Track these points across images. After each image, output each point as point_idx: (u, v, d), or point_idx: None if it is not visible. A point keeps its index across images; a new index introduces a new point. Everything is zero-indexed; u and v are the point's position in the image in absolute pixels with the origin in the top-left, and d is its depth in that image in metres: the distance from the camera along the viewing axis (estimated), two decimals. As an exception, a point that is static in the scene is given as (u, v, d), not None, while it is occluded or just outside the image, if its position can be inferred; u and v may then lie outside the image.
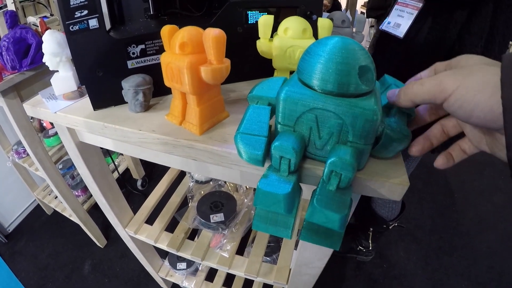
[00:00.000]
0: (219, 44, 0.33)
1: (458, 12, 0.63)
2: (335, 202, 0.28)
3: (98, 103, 0.45)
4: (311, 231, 0.29)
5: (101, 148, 0.58)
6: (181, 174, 1.04)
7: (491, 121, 0.22)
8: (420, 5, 0.67)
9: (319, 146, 0.31)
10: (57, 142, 1.26)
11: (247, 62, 0.49)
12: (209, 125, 0.40)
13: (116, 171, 1.46)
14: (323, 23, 0.42)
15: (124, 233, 0.80)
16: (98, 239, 1.36)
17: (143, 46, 0.43)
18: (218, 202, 0.84)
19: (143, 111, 0.45)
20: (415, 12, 0.67)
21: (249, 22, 0.48)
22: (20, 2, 1.21)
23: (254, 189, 0.90)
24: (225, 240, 0.78)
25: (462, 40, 0.64)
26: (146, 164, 1.66)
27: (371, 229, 1.22)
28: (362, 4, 3.16)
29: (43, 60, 0.47)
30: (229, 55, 0.36)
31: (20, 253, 1.37)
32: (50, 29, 0.57)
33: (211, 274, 1.05)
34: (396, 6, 0.72)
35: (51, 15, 1.35)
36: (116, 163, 1.55)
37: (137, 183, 1.66)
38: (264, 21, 0.42)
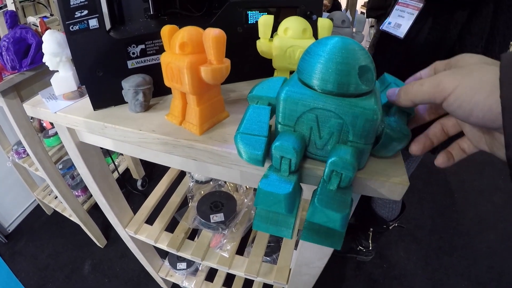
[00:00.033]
0: (219, 44, 0.33)
1: (459, 13, 0.63)
2: (336, 201, 0.28)
3: (98, 103, 0.45)
4: (312, 231, 0.29)
5: (101, 148, 0.58)
6: (181, 174, 1.04)
7: (490, 121, 0.22)
8: (421, 5, 0.66)
9: (320, 146, 0.31)
10: (57, 142, 1.26)
11: (247, 62, 0.49)
12: (209, 125, 0.40)
13: (116, 171, 1.46)
14: (323, 23, 0.42)
15: (124, 233, 0.80)
16: (98, 239, 1.36)
17: (143, 46, 0.43)
18: (218, 202, 0.84)
19: (143, 111, 0.45)
20: (416, 13, 0.67)
21: (249, 22, 0.48)
22: (20, 2, 1.21)
23: (254, 189, 0.90)
24: (225, 240, 0.78)
25: (462, 41, 0.64)
26: (146, 164, 1.66)
27: (371, 229, 1.22)
28: (362, 4, 3.16)
29: (43, 60, 0.47)
30: (229, 55, 0.36)
31: (20, 253, 1.37)
32: (50, 29, 0.57)
33: (211, 274, 1.05)
34: (396, 7, 0.72)
35: (51, 15, 1.35)
36: (116, 163, 1.55)
37: (137, 183, 1.66)
38: (264, 21, 0.42)
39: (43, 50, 0.46)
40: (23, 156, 1.24)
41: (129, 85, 0.42)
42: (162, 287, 1.16)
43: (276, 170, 0.30)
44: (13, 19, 0.81)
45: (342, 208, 0.27)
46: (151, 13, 0.46)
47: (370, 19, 2.62)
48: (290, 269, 0.70)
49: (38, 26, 1.02)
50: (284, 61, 0.44)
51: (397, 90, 0.29)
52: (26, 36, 0.81)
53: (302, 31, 0.42)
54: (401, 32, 0.70)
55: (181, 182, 0.97)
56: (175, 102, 0.41)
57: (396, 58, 0.76)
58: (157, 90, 0.46)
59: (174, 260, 1.03)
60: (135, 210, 0.82)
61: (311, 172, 0.33)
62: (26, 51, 0.83)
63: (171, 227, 0.82)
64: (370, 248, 1.26)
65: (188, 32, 0.35)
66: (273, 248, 0.89)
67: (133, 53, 0.43)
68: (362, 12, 2.99)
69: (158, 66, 0.39)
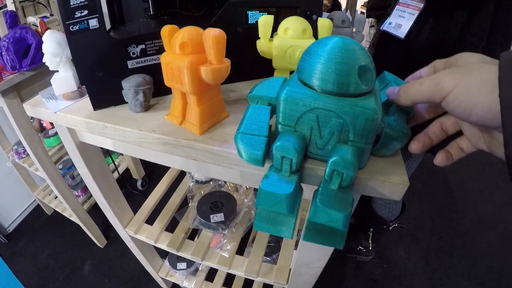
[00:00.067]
0: (219, 44, 0.33)
1: (459, 13, 0.63)
2: (338, 201, 0.28)
3: (98, 103, 0.45)
4: (314, 231, 0.29)
5: (101, 148, 0.58)
6: (181, 174, 1.04)
7: (489, 120, 0.22)
8: (421, 5, 0.66)
9: (320, 146, 0.31)
10: (57, 142, 1.26)
11: (247, 62, 0.49)
12: (209, 125, 0.40)
13: (116, 171, 1.46)
14: (323, 23, 0.42)
15: (124, 233, 0.80)
16: (98, 239, 1.36)
17: (143, 46, 0.43)
18: (218, 202, 0.84)
19: (143, 111, 0.45)
20: (416, 13, 0.67)
21: (249, 22, 0.48)
22: (20, 2, 1.20)
23: (254, 189, 0.90)
24: (225, 240, 0.78)
25: (463, 41, 0.64)
26: (146, 164, 1.66)
27: (371, 229, 1.22)
28: (362, 4, 3.16)
29: (43, 60, 0.47)
30: (229, 55, 0.36)
31: (20, 253, 1.37)
32: (50, 29, 0.57)
33: (211, 274, 1.05)
34: (397, 7, 0.72)
35: (51, 15, 1.35)
36: (116, 163, 1.55)
37: (137, 183, 1.66)
38: (264, 21, 0.42)
39: (43, 50, 0.46)
40: (23, 156, 1.24)
41: (129, 85, 0.42)
42: (162, 287, 1.16)
43: (277, 170, 0.30)
44: (13, 19, 0.81)
45: (344, 208, 0.27)
46: (151, 13, 0.46)
47: (370, 19, 2.62)
48: (290, 269, 0.70)
49: (38, 26, 1.02)
50: (284, 61, 0.44)
51: (397, 89, 0.29)
52: (26, 36, 0.81)
53: (302, 31, 0.42)
54: (402, 32, 0.70)
55: (181, 182, 0.97)
56: (175, 102, 0.41)
57: (396, 58, 0.76)
58: (157, 90, 0.46)
59: (174, 260, 1.03)
60: (135, 210, 0.82)
61: (312, 172, 0.33)
62: (26, 51, 0.83)
63: (171, 227, 0.82)
64: (370, 248, 1.26)
65: (188, 32, 0.35)
66: (273, 248, 0.89)
67: (133, 53, 0.43)
68: (362, 12, 2.99)
69: (158, 66, 0.39)
